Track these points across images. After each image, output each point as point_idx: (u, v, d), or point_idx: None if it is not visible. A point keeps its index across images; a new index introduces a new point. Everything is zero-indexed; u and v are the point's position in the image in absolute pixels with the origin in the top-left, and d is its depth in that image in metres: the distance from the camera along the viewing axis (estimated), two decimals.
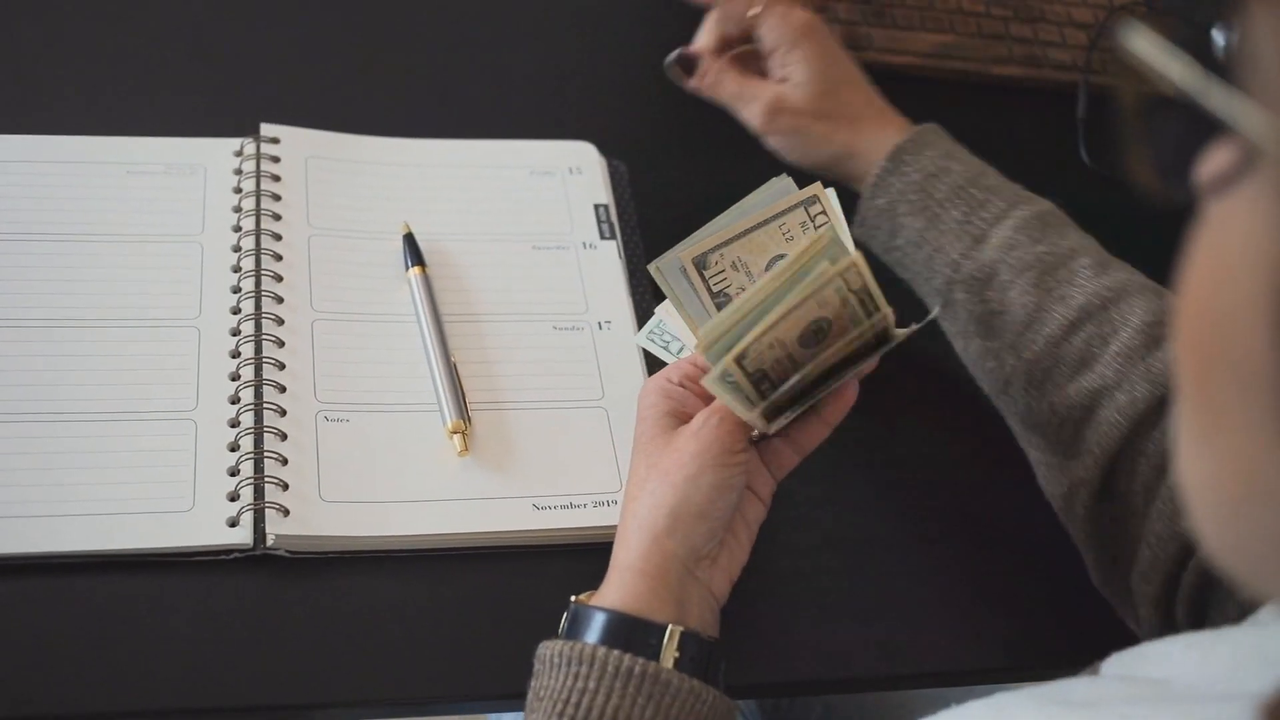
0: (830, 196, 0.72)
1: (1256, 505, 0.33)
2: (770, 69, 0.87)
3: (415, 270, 0.84)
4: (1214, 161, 0.33)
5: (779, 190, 0.71)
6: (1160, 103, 0.35)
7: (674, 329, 0.76)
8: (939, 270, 0.80)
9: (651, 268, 0.70)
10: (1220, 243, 0.33)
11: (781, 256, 0.70)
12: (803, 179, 0.73)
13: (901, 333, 0.68)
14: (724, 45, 0.88)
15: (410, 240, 0.86)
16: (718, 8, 0.87)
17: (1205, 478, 0.35)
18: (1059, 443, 0.76)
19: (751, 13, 0.86)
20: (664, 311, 0.77)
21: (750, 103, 0.86)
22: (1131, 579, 0.73)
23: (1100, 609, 0.76)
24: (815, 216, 0.71)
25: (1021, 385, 0.77)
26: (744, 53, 0.88)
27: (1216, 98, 0.32)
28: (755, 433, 0.69)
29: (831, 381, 0.68)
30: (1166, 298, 0.76)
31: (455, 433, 0.77)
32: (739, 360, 0.63)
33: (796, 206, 0.71)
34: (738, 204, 0.71)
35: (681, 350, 0.75)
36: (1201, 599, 0.69)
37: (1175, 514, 0.70)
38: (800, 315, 0.64)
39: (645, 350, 0.79)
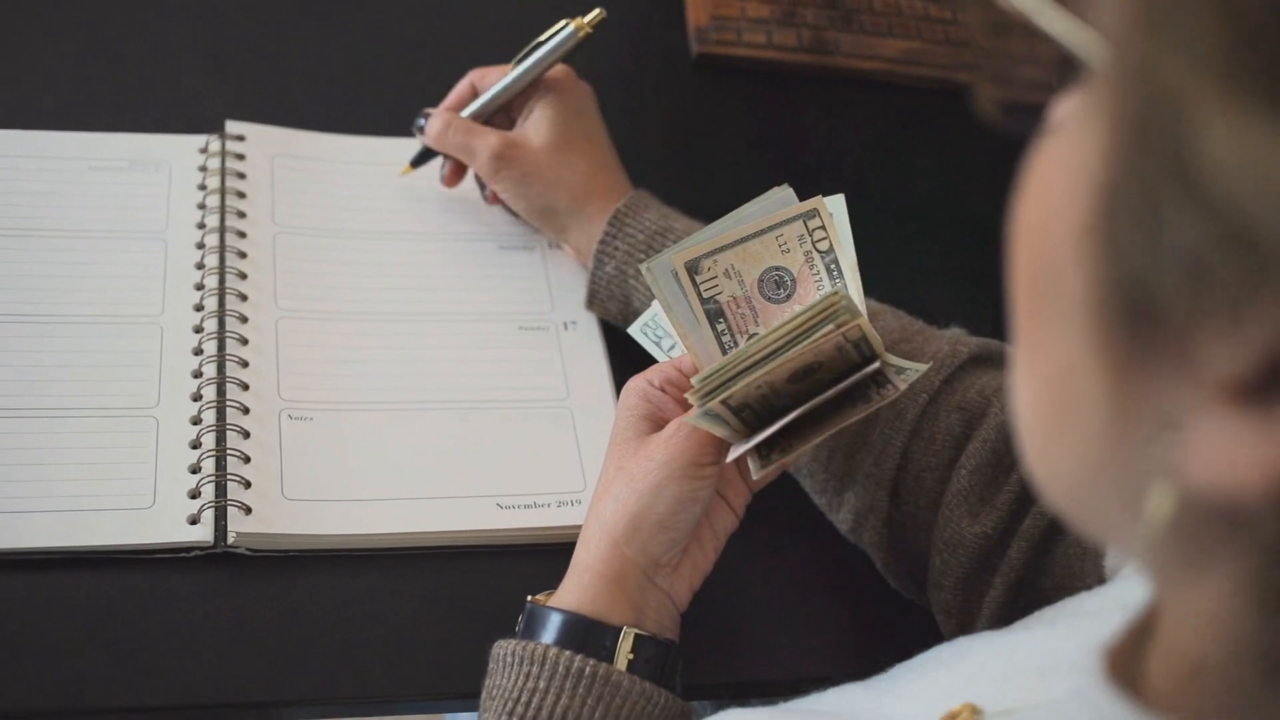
0: (835, 207, 0.70)
1: (1072, 421, 0.33)
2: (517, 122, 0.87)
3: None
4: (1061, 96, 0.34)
5: (779, 200, 0.70)
6: (1004, 29, 0.35)
7: (668, 325, 0.73)
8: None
9: (643, 267, 0.69)
10: (1050, 166, 0.34)
11: (777, 268, 0.69)
12: (800, 193, 0.70)
13: (901, 382, 0.66)
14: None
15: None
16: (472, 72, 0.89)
17: (1030, 401, 0.35)
18: (831, 474, 0.75)
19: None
20: (659, 305, 0.75)
21: (478, 149, 0.85)
22: (928, 590, 0.73)
23: None
24: (813, 230, 0.69)
25: None
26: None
27: (1051, 19, 0.33)
28: (730, 456, 0.67)
29: (826, 421, 0.66)
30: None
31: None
32: (724, 400, 0.63)
33: (795, 219, 0.69)
34: (735, 211, 0.70)
35: (673, 347, 0.74)
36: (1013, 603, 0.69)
37: (961, 518, 0.70)
38: (794, 364, 0.64)
39: (633, 349, 0.78)
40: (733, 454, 0.66)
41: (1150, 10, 0.29)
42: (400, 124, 0.94)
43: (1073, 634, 0.46)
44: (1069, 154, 0.33)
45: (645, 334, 0.75)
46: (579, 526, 0.70)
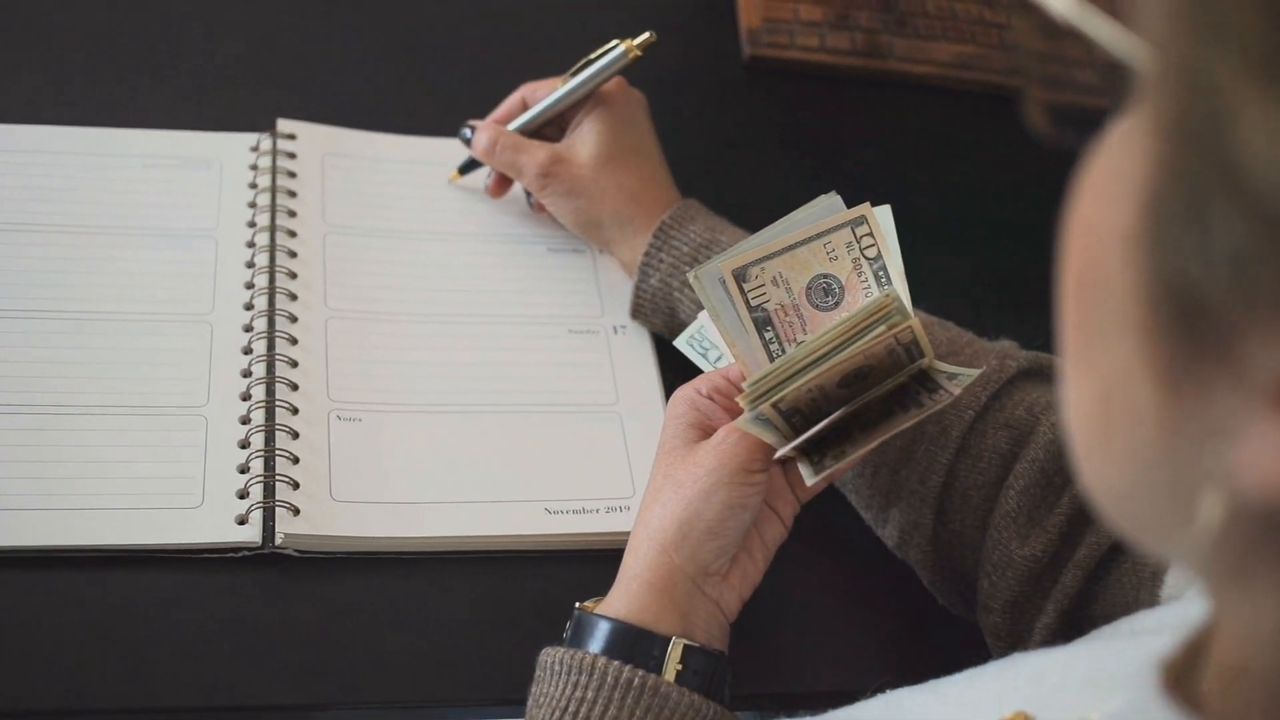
0: (883, 216, 0.69)
1: (1122, 428, 0.33)
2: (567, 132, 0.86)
3: None
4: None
5: (826, 208, 0.69)
6: (1052, 36, 0.35)
7: (714, 336, 0.74)
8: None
9: (690, 275, 0.68)
10: (1099, 174, 0.34)
11: (825, 276, 0.69)
12: (850, 198, 0.70)
13: (954, 387, 0.66)
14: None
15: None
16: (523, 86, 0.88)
17: (1080, 409, 0.35)
18: (876, 490, 0.74)
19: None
20: (706, 317, 0.75)
21: (527, 165, 0.84)
22: (977, 612, 0.72)
23: None
24: (861, 238, 0.69)
25: None
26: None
27: (1098, 27, 0.33)
28: (778, 454, 0.67)
29: (877, 427, 0.67)
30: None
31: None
32: (775, 404, 0.63)
33: (843, 226, 0.69)
34: (784, 218, 0.69)
35: (719, 359, 0.74)
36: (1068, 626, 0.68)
37: (1010, 540, 0.69)
38: (845, 366, 0.64)
39: (682, 354, 0.78)
40: (780, 453, 0.65)
41: (1191, 11, 0.29)
42: (451, 125, 0.94)
43: (1130, 649, 0.45)
44: (1118, 160, 0.32)
45: (691, 346, 0.75)
46: (627, 532, 0.69)
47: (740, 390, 0.67)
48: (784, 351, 0.68)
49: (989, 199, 1.03)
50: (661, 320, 0.82)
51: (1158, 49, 0.30)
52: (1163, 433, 0.31)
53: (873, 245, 0.69)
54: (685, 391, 0.70)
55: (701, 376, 0.71)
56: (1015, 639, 0.70)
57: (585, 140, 0.84)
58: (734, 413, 0.68)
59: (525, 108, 0.87)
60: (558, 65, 0.90)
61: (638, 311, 0.83)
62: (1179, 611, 0.51)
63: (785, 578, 0.76)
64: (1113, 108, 0.34)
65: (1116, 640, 0.51)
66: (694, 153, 1.00)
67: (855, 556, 0.79)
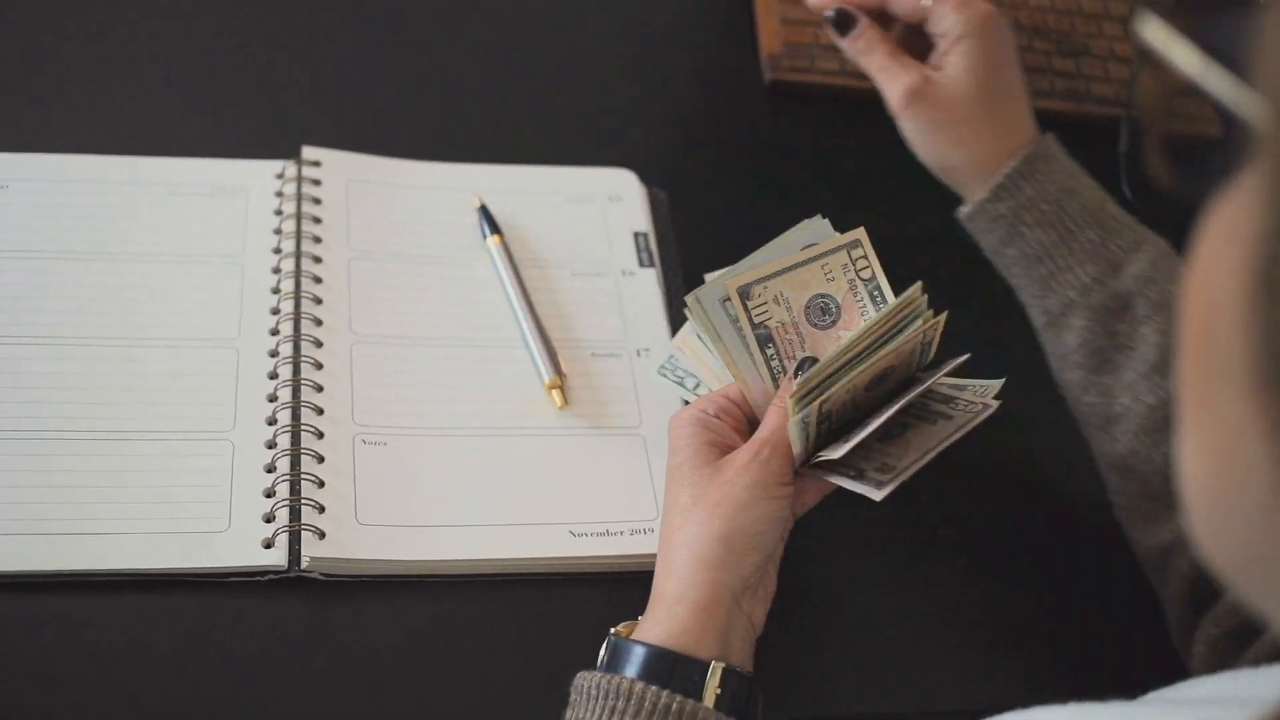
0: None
1: (1240, 491, 0.33)
2: (934, 54, 0.82)
3: (494, 239, 0.88)
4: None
5: (816, 231, 0.73)
6: (1176, 96, 0.37)
7: (686, 365, 0.77)
8: (1059, 290, 0.76)
9: (690, 299, 0.70)
10: (1217, 232, 0.34)
11: (823, 295, 0.72)
12: (870, 221, 0.73)
13: (971, 396, 0.70)
14: (883, 17, 0.83)
15: (485, 211, 0.89)
16: None
17: (1196, 470, 0.35)
18: (1164, 493, 0.73)
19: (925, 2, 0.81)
20: (675, 348, 0.78)
21: (894, 80, 0.80)
22: (1203, 620, 0.71)
23: (1128, 650, 0.76)
24: (856, 260, 0.72)
25: (1132, 428, 0.74)
26: (906, 34, 0.84)
27: (1219, 84, 0.34)
28: (817, 459, 0.70)
29: (910, 439, 0.70)
30: None
31: (553, 388, 0.80)
32: (821, 403, 0.66)
33: (840, 249, 0.72)
34: (773, 241, 0.72)
35: (698, 386, 0.76)
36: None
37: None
38: (880, 365, 0.67)
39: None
40: (841, 450, 0.67)
41: None
42: (475, 152, 0.95)
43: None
44: (1234, 217, 0.33)
45: (665, 375, 0.78)
46: (652, 554, 0.70)
47: (741, 408, 0.71)
48: (785, 369, 0.71)
49: None
50: (994, 239, 0.79)
51: (1273, 104, 0.30)
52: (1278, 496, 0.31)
53: (867, 266, 0.72)
54: (690, 413, 0.71)
55: (703, 398, 0.73)
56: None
57: (956, 77, 0.79)
58: (743, 432, 0.71)
59: (884, 6, 0.83)
60: (584, 93, 0.91)
61: (971, 220, 0.80)
62: (1229, 682, 0.50)
63: (815, 600, 0.77)
64: (1233, 159, 0.34)
65: (1177, 709, 0.50)
66: (715, 176, 1.00)
67: (892, 581, 0.79)
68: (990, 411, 0.70)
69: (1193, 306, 0.34)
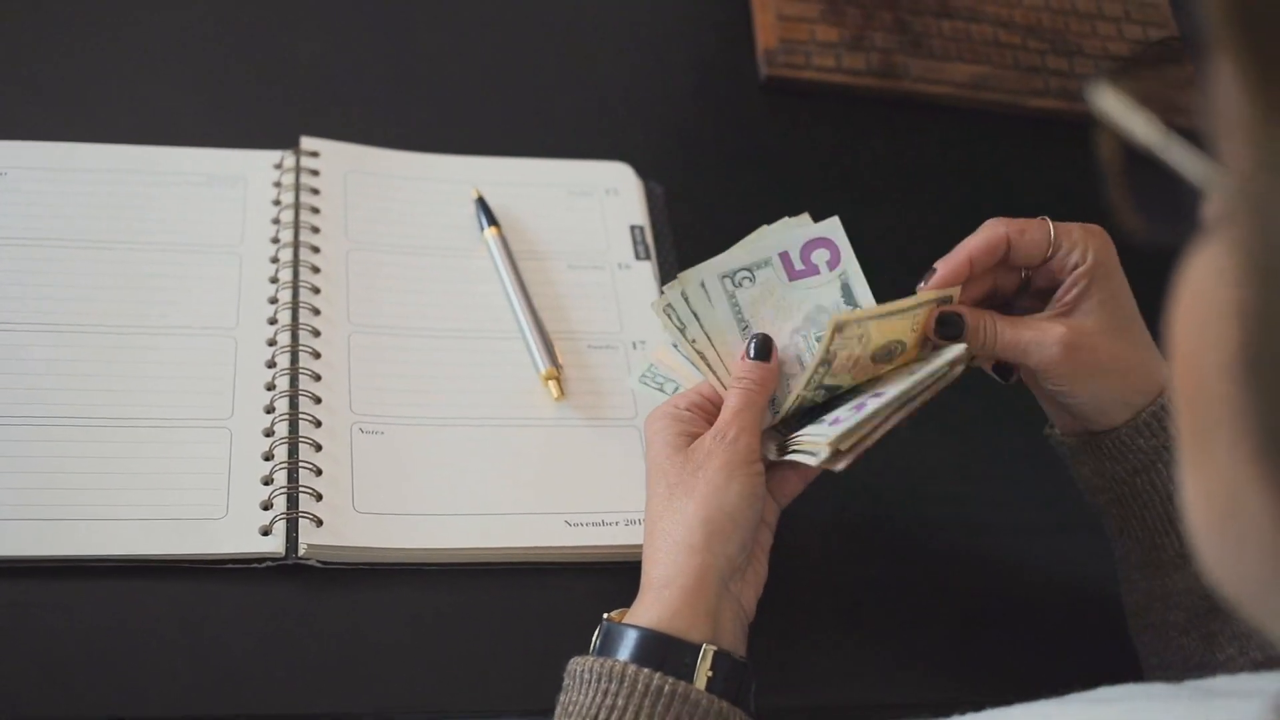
0: (836, 229, 0.74)
1: (1237, 527, 0.34)
2: (1049, 282, 0.73)
3: (491, 231, 0.88)
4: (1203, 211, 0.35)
5: (796, 226, 0.75)
6: (1137, 154, 0.37)
7: (666, 372, 0.78)
8: (1183, 534, 0.65)
9: (691, 278, 0.73)
10: (1194, 290, 0.35)
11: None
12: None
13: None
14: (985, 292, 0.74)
15: (482, 203, 0.90)
16: (978, 247, 0.72)
17: (1197, 503, 0.37)
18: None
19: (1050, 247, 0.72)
20: (655, 355, 0.79)
21: (1039, 345, 0.70)
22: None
23: (1112, 637, 0.76)
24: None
25: (1230, 670, 0.69)
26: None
27: (1178, 155, 0.34)
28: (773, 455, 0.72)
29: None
30: None
31: (549, 379, 0.81)
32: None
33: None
34: (748, 236, 0.75)
35: (676, 389, 0.77)
36: None
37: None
38: (913, 401, 0.70)
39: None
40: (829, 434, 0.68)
41: (1269, 148, 0.30)
42: (472, 143, 0.95)
43: (1230, 710, 0.45)
44: (1209, 277, 0.34)
45: (645, 383, 0.79)
46: None
47: (714, 403, 0.73)
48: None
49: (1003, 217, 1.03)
50: (1116, 470, 0.72)
51: (1238, 181, 0.31)
52: None
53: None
54: (663, 409, 0.73)
55: (675, 396, 0.75)
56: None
57: (1093, 315, 0.71)
58: (712, 423, 0.72)
59: (971, 267, 0.72)
60: (582, 87, 0.91)
61: (1099, 448, 0.73)
62: (1255, 680, 0.51)
63: (809, 590, 0.77)
64: (1199, 215, 0.35)
65: (1200, 697, 0.50)
66: (711, 171, 1.01)
67: (877, 569, 0.80)
68: (955, 374, 0.69)
69: (1180, 363, 0.36)
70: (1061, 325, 0.71)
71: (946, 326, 0.71)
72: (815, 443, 0.69)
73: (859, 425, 0.67)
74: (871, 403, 0.68)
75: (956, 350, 0.69)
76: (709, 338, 0.73)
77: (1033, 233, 0.72)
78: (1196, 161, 0.34)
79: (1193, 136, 0.34)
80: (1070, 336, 0.70)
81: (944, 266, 0.72)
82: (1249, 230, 0.31)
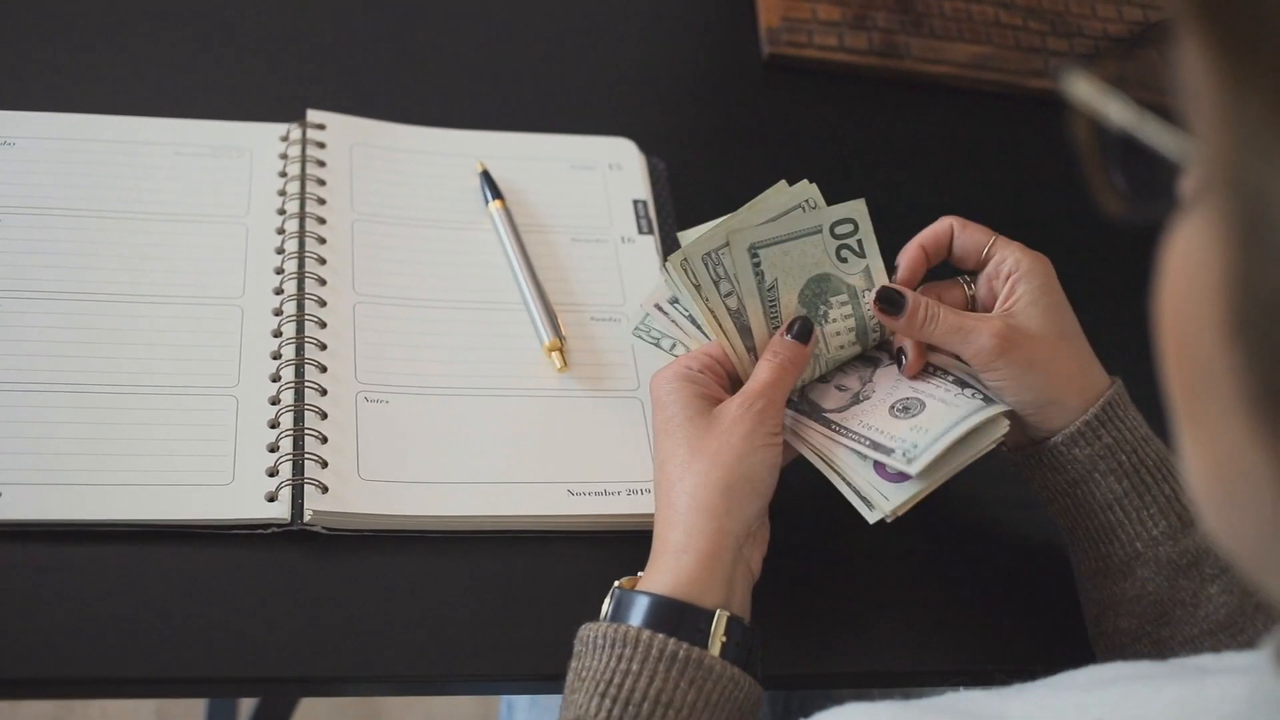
0: (860, 210, 0.76)
1: (1246, 499, 0.35)
2: (990, 295, 0.76)
3: (496, 204, 0.89)
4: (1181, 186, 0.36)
5: (795, 195, 0.76)
6: (1112, 136, 0.38)
7: (661, 324, 0.79)
8: (1125, 541, 0.73)
9: (673, 261, 0.73)
10: (1181, 262, 0.36)
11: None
12: (867, 196, 0.75)
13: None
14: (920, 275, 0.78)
15: (487, 176, 0.91)
16: (924, 240, 0.78)
17: (1198, 470, 0.37)
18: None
19: (989, 247, 0.77)
20: (650, 306, 0.80)
21: (977, 334, 0.72)
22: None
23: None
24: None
25: (1144, 647, 0.73)
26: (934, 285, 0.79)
27: (1154, 133, 0.36)
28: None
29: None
30: None
31: (553, 350, 0.82)
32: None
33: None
34: (752, 201, 0.75)
35: (674, 346, 0.78)
36: None
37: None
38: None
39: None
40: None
41: (1244, 122, 0.31)
42: (476, 118, 0.96)
43: (1223, 687, 0.46)
44: (1194, 248, 0.35)
45: (641, 336, 0.80)
46: (647, 514, 0.71)
47: (724, 365, 0.74)
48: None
49: (1004, 198, 1.04)
50: (1057, 482, 0.75)
51: (1213, 152, 0.32)
52: None
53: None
54: (674, 369, 0.73)
55: (685, 356, 0.75)
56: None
57: (1031, 315, 0.74)
58: (726, 388, 0.73)
59: (927, 260, 0.78)
60: (586, 63, 0.92)
61: (1038, 463, 0.75)
62: (1244, 656, 0.51)
63: (822, 562, 0.78)
64: (1177, 191, 0.36)
65: (1210, 675, 0.51)
66: (712, 149, 1.02)
67: (886, 540, 0.80)
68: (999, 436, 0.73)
69: (1169, 331, 0.37)
70: (1000, 321, 0.73)
71: (888, 304, 0.74)
72: (874, 497, 0.71)
73: (916, 495, 0.70)
74: (920, 440, 0.71)
75: (1003, 429, 0.72)
76: (724, 302, 0.74)
77: (974, 231, 0.77)
78: (1172, 138, 0.35)
79: (1167, 115, 0.36)
80: (1006, 331, 0.73)
81: (902, 258, 0.77)
82: (1229, 199, 0.32)
